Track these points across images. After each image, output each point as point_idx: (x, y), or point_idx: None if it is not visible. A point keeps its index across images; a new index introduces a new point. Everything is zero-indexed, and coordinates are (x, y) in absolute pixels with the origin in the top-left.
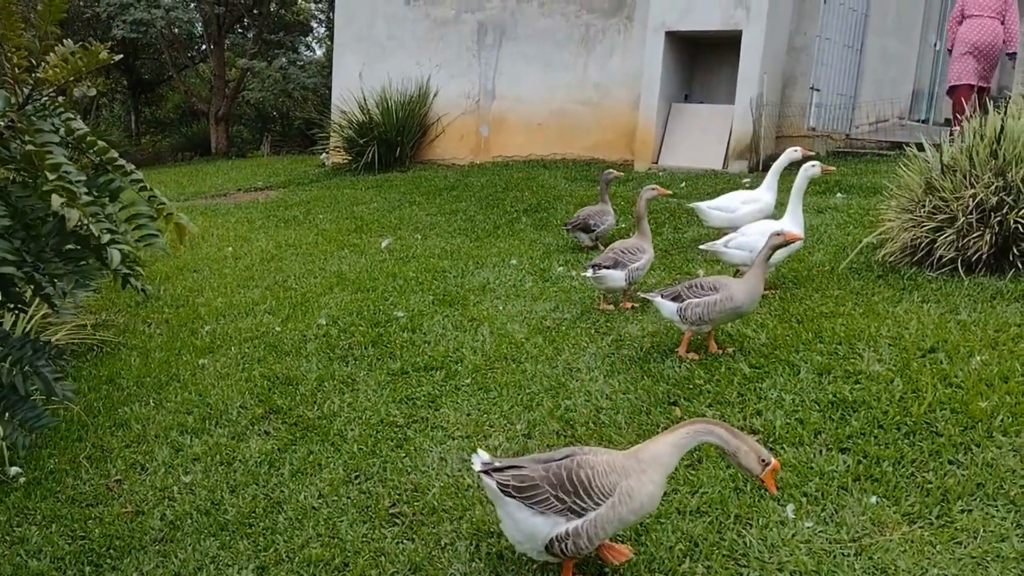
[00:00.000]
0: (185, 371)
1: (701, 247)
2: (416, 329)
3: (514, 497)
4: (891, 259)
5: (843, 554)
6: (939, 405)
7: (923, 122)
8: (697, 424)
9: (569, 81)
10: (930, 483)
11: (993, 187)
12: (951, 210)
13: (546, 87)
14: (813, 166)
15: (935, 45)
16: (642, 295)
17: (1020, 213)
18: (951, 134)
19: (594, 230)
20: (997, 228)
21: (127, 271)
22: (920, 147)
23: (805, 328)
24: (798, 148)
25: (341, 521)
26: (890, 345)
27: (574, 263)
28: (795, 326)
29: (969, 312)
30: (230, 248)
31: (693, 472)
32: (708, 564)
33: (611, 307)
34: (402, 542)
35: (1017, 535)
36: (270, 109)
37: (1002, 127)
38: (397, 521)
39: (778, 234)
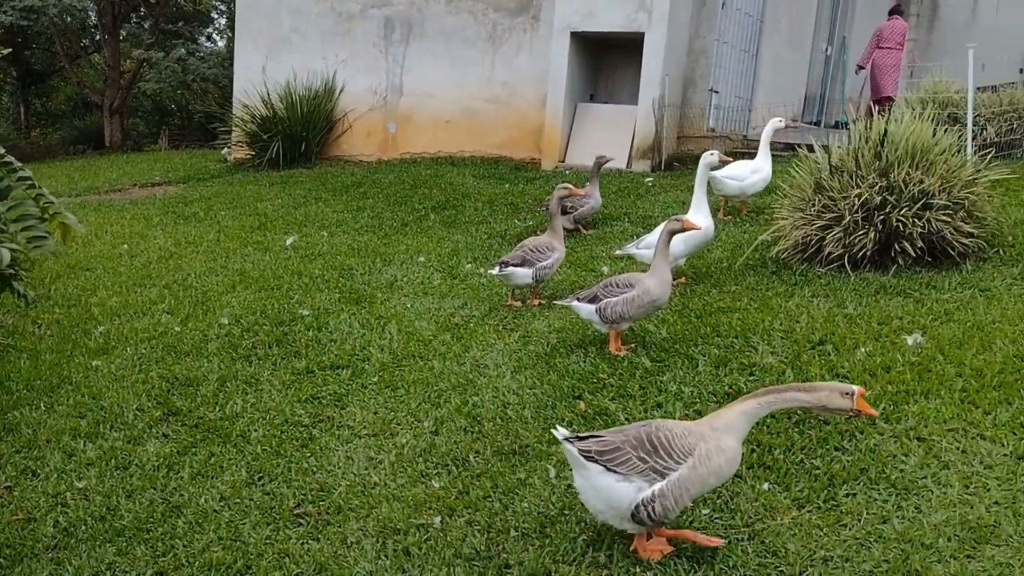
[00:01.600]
0: (78, 373)
1: (616, 252)
2: (322, 327)
3: (597, 461)
4: (784, 256)
5: (737, 539)
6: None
7: (815, 124)
8: (770, 395)
9: (477, 79)
10: (818, 469)
11: (877, 187)
12: (839, 209)
13: (454, 84)
14: (712, 154)
15: (826, 51)
16: (558, 303)
17: (902, 212)
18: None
19: (571, 212)
20: (881, 226)
21: (11, 272)
22: (811, 148)
23: (703, 323)
24: (781, 118)
25: (243, 523)
26: (782, 338)
27: (483, 260)
28: (694, 321)
29: (855, 306)
30: (125, 246)
31: None
32: (610, 553)
33: (519, 304)
34: (307, 542)
35: (897, 517)
36: (168, 101)
37: (885, 131)
38: (302, 521)
39: (676, 219)
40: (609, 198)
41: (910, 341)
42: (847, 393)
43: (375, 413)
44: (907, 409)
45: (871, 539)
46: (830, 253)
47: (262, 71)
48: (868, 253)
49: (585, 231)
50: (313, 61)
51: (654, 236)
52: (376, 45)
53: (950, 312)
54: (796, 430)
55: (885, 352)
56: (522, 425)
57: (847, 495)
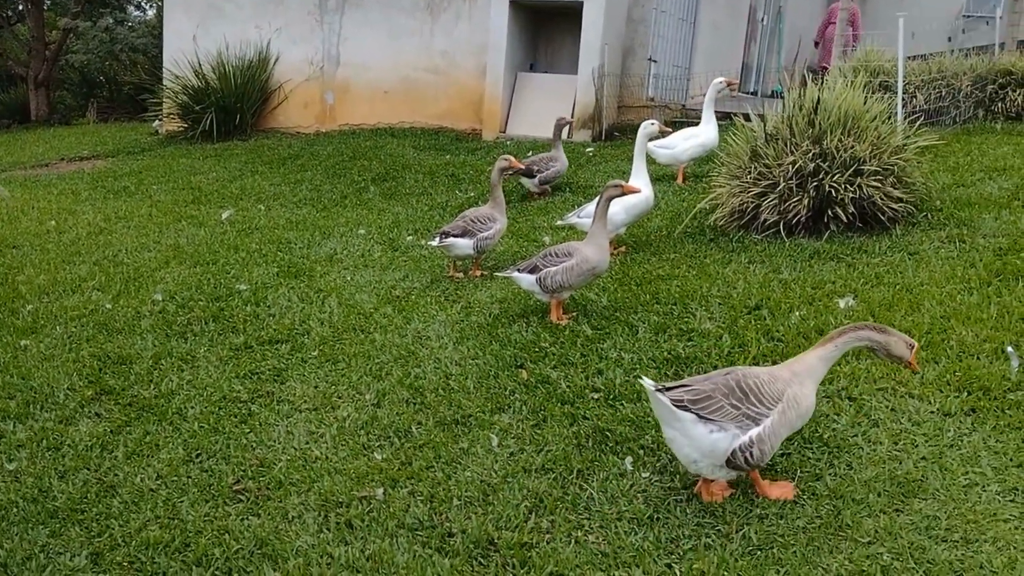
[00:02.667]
0: (5, 353)
1: (558, 222)
2: (260, 302)
3: (690, 411)
4: (722, 223)
5: (676, 500)
6: (762, 357)
7: (752, 94)
8: (846, 334)
9: (415, 48)
10: None
11: (811, 154)
12: (774, 176)
13: (392, 54)
14: (652, 124)
15: (762, 20)
16: (498, 274)
17: (834, 178)
18: None
19: (536, 176)
20: (814, 192)
21: None
22: (747, 117)
23: (643, 290)
24: (723, 79)
25: (181, 501)
26: (720, 304)
27: (424, 232)
28: (634, 288)
29: (790, 271)
30: (53, 222)
31: (539, 431)
32: (552, 519)
33: (461, 275)
34: (247, 518)
35: (830, 474)
36: (96, 73)
37: (819, 99)
38: (242, 498)
39: (615, 184)
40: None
41: (842, 304)
42: (910, 345)
43: (316, 387)
44: (839, 370)
45: (804, 496)
46: (766, 220)
47: (193, 40)
48: (802, 219)
49: (544, 197)
50: (246, 30)
51: (594, 205)
52: (311, 14)
53: (880, 275)
54: None
55: (818, 315)
56: (464, 395)
57: (782, 455)
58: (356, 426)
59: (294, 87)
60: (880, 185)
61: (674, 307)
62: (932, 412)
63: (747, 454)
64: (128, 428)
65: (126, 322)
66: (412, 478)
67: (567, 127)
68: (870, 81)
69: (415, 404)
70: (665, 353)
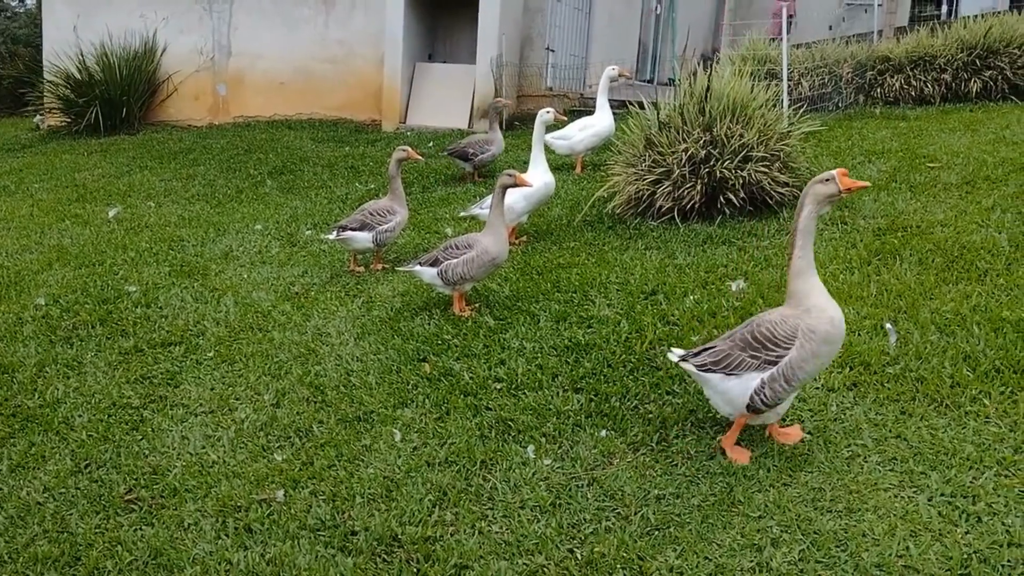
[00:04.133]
0: None
1: (460, 213)
2: (151, 304)
3: (714, 371)
4: (619, 211)
5: (577, 486)
6: (658, 342)
7: (649, 82)
8: (796, 240)
9: (311, 38)
10: (651, 413)
11: (702, 141)
12: (668, 164)
13: (287, 44)
14: (548, 112)
15: (656, 9)
16: (400, 268)
17: (725, 165)
18: None
19: (472, 159)
20: (707, 179)
21: None
22: (642, 106)
23: (544, 279)
24: (614, 68)
25: (70, 514)
26: (618, 290)
27: (323, 226)
28: (535, 278)
29: (684, 256)
30: None
31: (442, 424)
32: (456, 511)
33: (362, 269)
34: (140, 528)
35: (722, 454)
36: None
37: (708, 87)
38: (135, 507)
39: (508, 174)
40: (450, 159)
41: (733, 287)
42: (827, 179)
43: (212, 389)
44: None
45: (700, 475)
46: (661, 206)
47: (74, 31)
48: (696, 205)
49: (476, 181)
50: (131, 20)
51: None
52: (199, 2)
53: (769, 258)
54: (631, 377)
55: (712, 299)
56: (366, 391)
57: (677, 436)
58: (255, 427)
59: (184, 79)
60: (768, 170)
61: (574, 295)
62: (817, 388)
63: (761, 396)
64: (12, 440)
65: (6, 329)
66: (313, 478)
67: (503, 110)
68: (758, 69)
69: (316, 402)
70: (566, 341)
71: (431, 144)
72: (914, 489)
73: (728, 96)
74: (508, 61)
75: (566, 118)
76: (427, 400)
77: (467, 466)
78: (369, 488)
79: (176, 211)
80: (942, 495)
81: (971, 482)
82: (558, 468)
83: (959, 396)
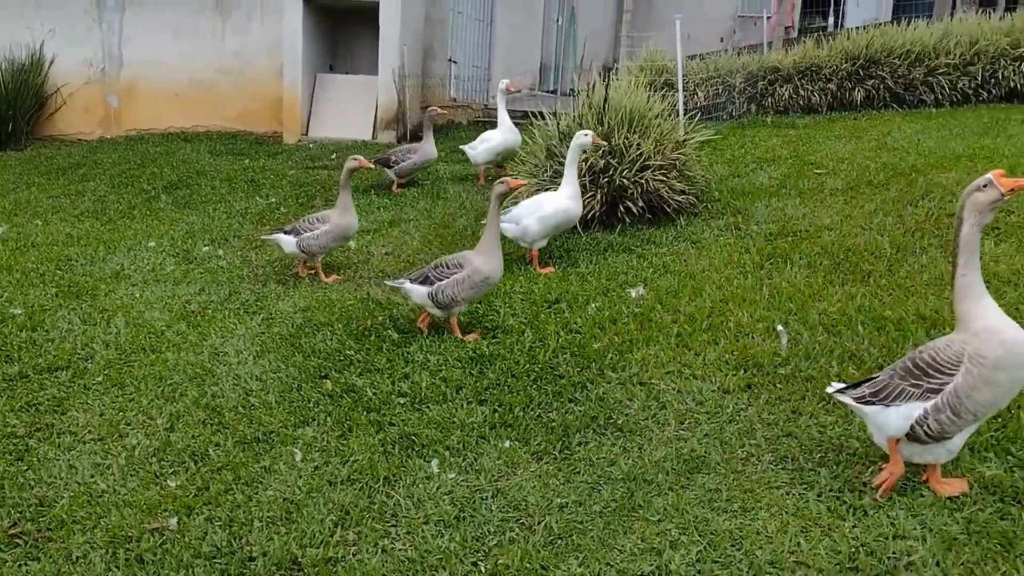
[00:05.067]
0: None
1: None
2: (37, 327)
3: (873, 403)
4: None
5: (482, 498)
6: (561, 350)
7: (552, 92)
8: (960, 255)
9: (206, 49)
10: (554, 422)
11: (601, 151)
12: None
13: (181, 55)
14: (586, 135)
15: (557, 21)
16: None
17: (624, 174)
18: None
19: (392, 166)
20: (606, 188)
21: None
22: (543, 116)
23: (335, 278)
24: (505, 81)
25: None
26: (522, 300)
27: (221, 241)
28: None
29: (586, 264)
30: None
31: (344, 442)
32: (359, 530)
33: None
34: (25, 563)
35: (624, 458)
36: None
37: (606, 97)
38: (19, 542)
39: (502, 182)
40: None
41: (633, 294)
42: (984, 186)
43: (101, 415)
44: (631, 357)
45: (601, 482)
46: None
47: None
48: (597, 214)
49: (399, 189)
50: (16, 32)
51: (521, 208)
52: (88, 13)
53: (667, 264)
54: (534, 387)
55: (613, 305)
56: (266, 411)
57: (580, 443)
58: (147, 454)
59: (73, 91)
60: (665, 179)
61: (479, 305)
62: (713, 391)
63: (925, 426)
64: None
65: None
66: (209, 503)
67: (434, 117)
68: (655, 80)
69: (212, 425)
70: (470, 352)
71: (333, 156)
72: (804, 486)
73: (625, 107)
74: (411, 72)
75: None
76: (329, 418)
77: (370, 483)
78: (268, 511)
79: (64, 229)
80: (830, 491)
81: (857, 477)
82: (462, 481)
83: None
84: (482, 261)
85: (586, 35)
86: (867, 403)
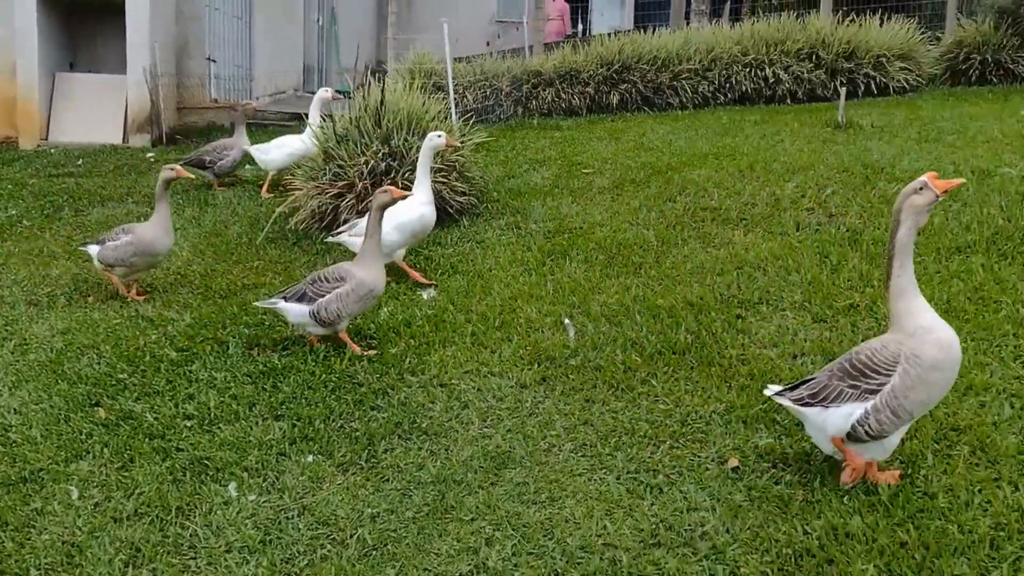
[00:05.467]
0: None
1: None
2: None
3: (812, 405)
4: (303, 226)
5: (287, 518)
6: (357, 358)
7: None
8: (894, 259)
9: None
10: (357, 431)
11: (381, 154)
12: (349, 176)
13: None
14: (439, 136)
15: (318, 21)
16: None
17: (405, 175)
18: None
19: (210, 167)
20: None
21: None
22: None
23: (230, 303)
24: (327, 88)
25: None
26: None
27: None
28: (219, 302)
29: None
30: None
31: (126, 474)
32: (153, 567)
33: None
34: None
35: (431, 461)
36: None
37: (383, 100)
38: None
39: (385, 191)
40: (108, 177)
41: (425, 296)
42: (920, 188)
43: None
44: (429, 360)
45: (411, 487)
46: (346, 220)
47: None
48: None
49: (219, 188)
50: None
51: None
52: None
53: (455, 265)
54: (333, 397)
55: (405, 309)
56: (31, 448)
57: (386, 451)
58: None
59: None
60: (447, 181)
61: (264, 317)
62: (512, 386)
63: (865, 425)
64: None
65: None
66: None
67: (247, 112)
68: (425, 83)
69: None
70: (261, 366)
71: (80, 162)
72: (604, 471)
73: (402, 109)
74: (164, 71)
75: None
76: (106, 449)
77: (161, 515)
78: (46, 557)
79: None
80: (627, 472)
81: (650, 457)
82: (265, 502)
83: (632, 379)
84: (365, 272)
85: (350, 36)
86: (806, 405)
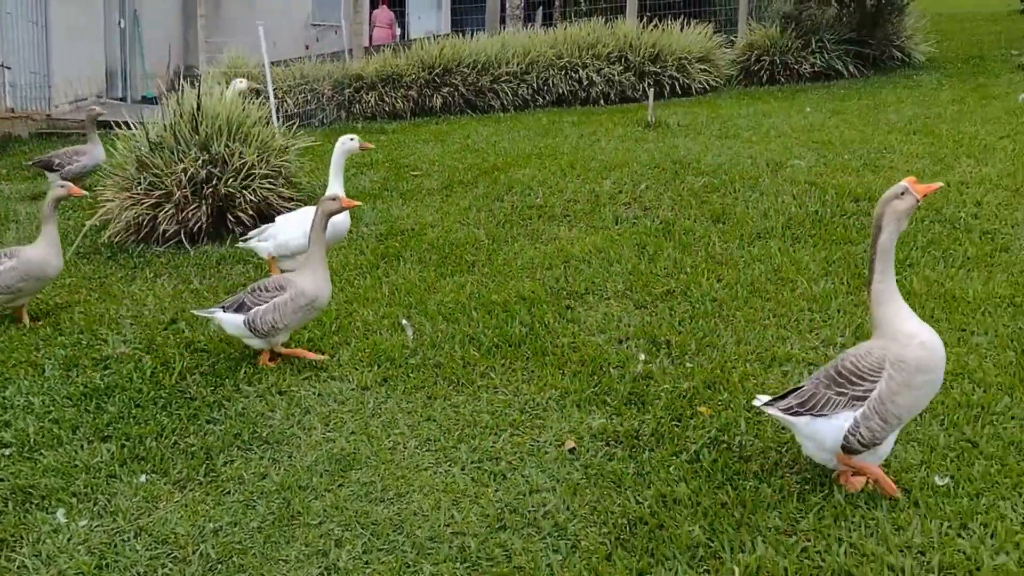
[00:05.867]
0: None
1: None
2: None
3: (801, 414)
4: (118, 239)
5: (124, 540)
6: (189, 372)
7: (122, 100)
8: (875, 266)
9: None
10: (193, 446)
11: (201, 161)
12: (167, 185)
13: None
14: (352, 139)
15: (120, 24)
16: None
17: (229, 183)
18: None
19: (58, 170)
20: (211, 199)
21: None
22: (128, 125)
23: (44, 324)
24: (243, 80)
25: None
26: (132, 324)
27: None
28: (31, 323)
29: (200, 280)
30: None
31: None
32: None
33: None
34: None
35: (275, 470)
36: None
37: (199, 105)
38: None
39: (332, 198)
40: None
41: None
42: (901, 193)
43: None
44: (266, 368)
45: (255, 497)
46: (166, 231)
47: None
48: (204, 226)
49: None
50: None
51: (274, 227)
52: None
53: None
54: (164, 414)
55: None
56: None
57: (226, 463)
58: None
59: None
60: (273, 186)
61: (81, 336)
62: (353, 389)
63: (857, 435)
64: None
65: None
66: None
67: (95, 116)
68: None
69: None
70: (81, 388)
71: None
72: (449, 463)
73: (221, 114)
74: None
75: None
76: None
77: None
78: None
79: None
80: (472, 463)
81: (492, 446)
82: (97, 527)
83: (471, 374)
84: (307, 282)
85: (154, 40)
86: (795, 414)
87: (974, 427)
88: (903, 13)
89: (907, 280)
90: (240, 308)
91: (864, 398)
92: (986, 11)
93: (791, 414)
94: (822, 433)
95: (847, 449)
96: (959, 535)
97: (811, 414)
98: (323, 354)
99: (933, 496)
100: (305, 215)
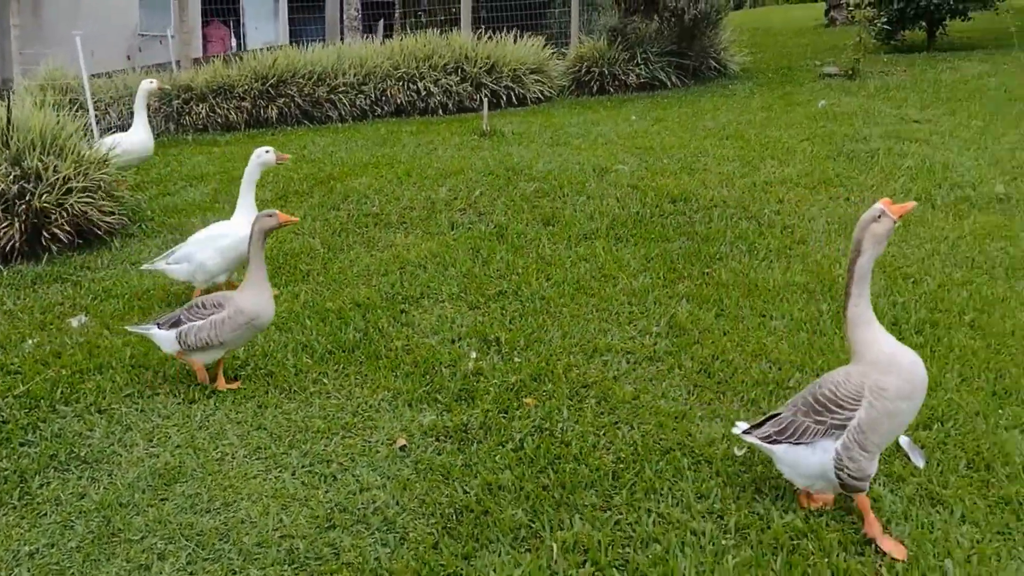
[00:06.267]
0: None
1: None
2: None
3: (780, 442)
4: None
5: None
6: (1, 395)
7: None
8: (851, 289)
9: None
10: (6, 470)
11: (12, 176)
12: None
13: None
14: (267, 151)
15: None
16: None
17: (44, 199)
18: None
19: None
20: (24, 216)
21: None
22: None
23: None
24: (153, 80)
25: None
26: None
27: None
28: None
29: (13, 301)
30: None
31: None
32: None
33: None
34: None
35: (94, 488)
36: None
37: (9, 118)
38: None
39: (269, 215)
40: None
41: (75, 323)
42: (878, 216)
43: None
44: (84, 387)
45: (73, 517)
46: None
47: None
48: (16, 245)
49: None
50: None
51: (191, 247)
52: None
53: (109, 289)
54: None
55: (53, 339)
56: None
57: (41, 485)
58: None
59: None
60: (92, 201)
61: None
62: (178, 403)
63: (846, 470)
64: None
65: None
66: None
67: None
68: (60, 99)
69: None
70: None
71: None
72: (279, 469)
73: (34, 127)
74: None
75: (288, 157)
76: None
77: None
78: None
79: None
80: (303, 467)
81: (324, 449)
82: None
83: (303, 381)
84: (246, 300)
85: None
86: (773, 442)
87: (769, 402)
88: (718, 27)
89: (716, 272)
90: (175, 324)
91: (843, 426)
92: (795, 25)
93: (769, 442)
94: (804, 462)
95: (846, 487)
96: (754, 499)
97: (790, 442)
98: (237, 380)
99: (732, 465)
100: (217, 232)
